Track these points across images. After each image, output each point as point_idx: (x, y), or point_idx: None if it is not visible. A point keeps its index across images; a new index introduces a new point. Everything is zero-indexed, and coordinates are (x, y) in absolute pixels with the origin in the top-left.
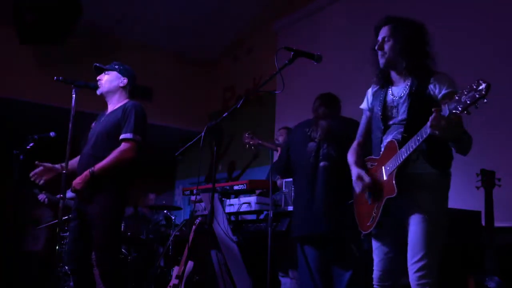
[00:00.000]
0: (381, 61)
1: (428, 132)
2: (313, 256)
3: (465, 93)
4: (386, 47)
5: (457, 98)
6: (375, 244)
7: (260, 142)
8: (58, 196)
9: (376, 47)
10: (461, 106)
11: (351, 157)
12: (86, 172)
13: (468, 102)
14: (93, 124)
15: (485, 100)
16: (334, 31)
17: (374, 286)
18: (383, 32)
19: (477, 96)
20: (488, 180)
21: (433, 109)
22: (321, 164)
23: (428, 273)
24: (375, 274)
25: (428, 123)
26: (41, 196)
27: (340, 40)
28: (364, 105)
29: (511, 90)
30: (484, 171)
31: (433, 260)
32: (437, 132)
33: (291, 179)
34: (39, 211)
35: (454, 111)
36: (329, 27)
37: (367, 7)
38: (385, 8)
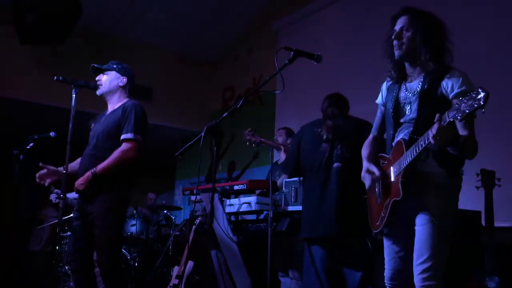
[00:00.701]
0: (397, 52)
1: (427, 141)
2: (321, 256)
3: (465, 101)
4: (405, 37)
5: (457, 106)
6: (386, 243)
7: (262, 140)
8: (68, 195)
9: (393, 36)
10: (460, 115)
11: (364, 151)
12: (88, 173)
13: (467, 111)
14: (92, 124)
15: (484, 110)
16: (334, 31)
17: (386, 284)
18: (401, 22)
19: (475, 105)
20: (488, 180)
21: (435, 120)
22: (335, 165)
23: (432, 275)
24: (386, 273)
25: (430, 134)
26: (53, 196)
27: (340, 40)
28: (378, 100)
29: (511, 90)
30: (484, 171)
31: (438, 262)
32: (438, 139)
33: (291, 179)
34: (45, 211)
35: (452, 119)
36: (329, 27)
37: (367, 7)
38: (385, 8)
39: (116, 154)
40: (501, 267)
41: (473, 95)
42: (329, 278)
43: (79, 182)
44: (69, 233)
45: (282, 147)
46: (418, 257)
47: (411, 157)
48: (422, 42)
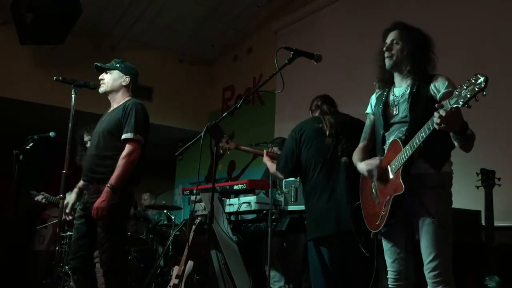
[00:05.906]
0: (388, 62)
1: (432, 128)
2: (331, 256)
3: (465, 87)
4: (394, 49)
5: (457, 93)
6: (386, 245)
7: (240, 147)
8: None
9: (384, 48)
10: (462, 100)
11: (357, 156)
12: (106, 189)
13: (469, 95)
14: (86, 134)
15: (484, 93)
16: (334, 31)
17: (389, 286)
18: (392, 35)
19: (476, 89)
20: (488, 179)
21: (436, 105)
22: (343, 159)
23: (441, 272)
24: (390, 274)
25: (434, 120)
26: (39, 197)
27: (340, 40)
28: (368, 110)
29: (510, 89)
30: (484, 171)
31: (444, 258)
32: (442, 126)
33: (291, 179)
34: (49, 211)
35: (455, 105)
36: (329, 27)
37: (366, 7)
38: (385, 8)
39: (122, 161)
40: (501, 267)
41: (472, 80)
42: (340, 278)
43: (101, 200)
44: (69, 233)
45: (265, 151)
46: (426, 257)
47: (412, 150)
48: (410, 54)
